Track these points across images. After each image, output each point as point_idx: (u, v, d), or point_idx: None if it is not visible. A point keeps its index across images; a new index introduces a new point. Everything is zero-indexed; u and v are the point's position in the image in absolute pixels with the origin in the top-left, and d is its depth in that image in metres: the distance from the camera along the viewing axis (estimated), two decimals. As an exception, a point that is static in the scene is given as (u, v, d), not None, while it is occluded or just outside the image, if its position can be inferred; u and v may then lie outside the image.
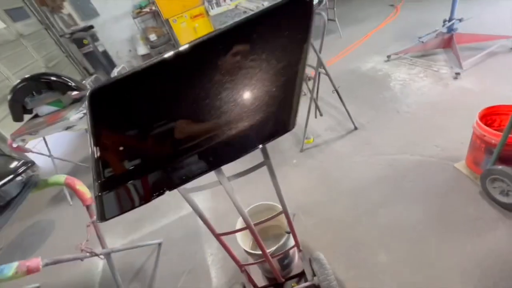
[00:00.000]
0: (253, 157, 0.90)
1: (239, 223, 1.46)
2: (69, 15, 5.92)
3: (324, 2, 3.63)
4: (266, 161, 0.90)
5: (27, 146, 2.55)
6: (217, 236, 1.12)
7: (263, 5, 1.86)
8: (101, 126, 0.57)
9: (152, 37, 6.20)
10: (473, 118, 1.56)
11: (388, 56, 3.20)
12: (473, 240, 1.41)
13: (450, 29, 2.78)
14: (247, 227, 1.04)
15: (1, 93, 3.93)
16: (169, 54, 0.57)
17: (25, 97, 2.46)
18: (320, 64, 1.85)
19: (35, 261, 1.03)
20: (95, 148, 0.58)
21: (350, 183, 1.94)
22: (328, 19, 4.63)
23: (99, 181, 0.62)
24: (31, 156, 2.63)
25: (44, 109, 2.52)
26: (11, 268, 0.99)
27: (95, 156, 0.59)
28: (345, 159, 2.14)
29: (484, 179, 1.52)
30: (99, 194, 0.62)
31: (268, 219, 1.11)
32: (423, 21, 3.79)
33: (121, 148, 0.58)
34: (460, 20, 2.69)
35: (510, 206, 1.44)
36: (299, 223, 1.79)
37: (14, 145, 2.35)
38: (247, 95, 0.58)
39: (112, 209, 0.63)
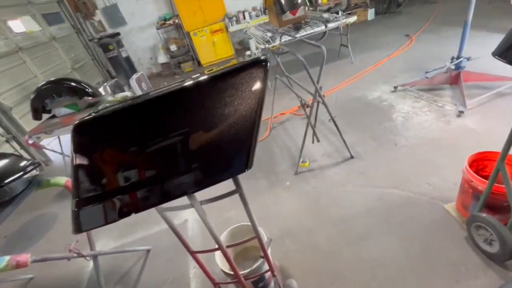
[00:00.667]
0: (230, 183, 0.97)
1: (226, 240, 1.52)
2: (99, 22, 6.36)
3: (338, 28, 3.73)
4: (238, 190, 0.97)
5: (42, 143, 2.75)
6: (192, 254, 1.19)
7: (266, 34, 1.98)
8: (81, 153, 0.66)
9: (173, 47, 6.52)
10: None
11: (395, 87, 3.23)
12: (452, 286, 1.40)
13: (458, 67, 2.79)
14: (219, 248, 1.09)
15: (28, 90, 4.24)
16: (139, 99, 0.66)
17: (46, 98, 2.67)
18: (317, 93, 1.92)
19: (24, 257, 1.13)
20: (73, 171, 0.67)
21: (338, 211, 1.96)
22: (341, 45, 4.74)
23: (76, 199, 0.71)
24: (45, 152, 2.82)
25: (61, 110, 2.72)
26: (3, 260, 1.09)
27: (73, 178, 0.68)
28: (337, 187, 2.16)
29: (470, 224, 1.51)
30: (75, 209, 0.71)
31: (241, 243, 1.17)
32: (436, 54, 3.81)
33: (94, 173, 0.67)
34: (468, 59, 2.70)
35: (493, 256, 1.41)
36: (281, 247, 1.82)
37: (30, 142, 2.54)
38: (214, 135, 0.67)
39: (85, 224, 0.72)
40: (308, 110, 2.06)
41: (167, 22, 6.37)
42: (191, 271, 1.86)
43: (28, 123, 4.05)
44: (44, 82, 2.71)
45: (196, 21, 6.19)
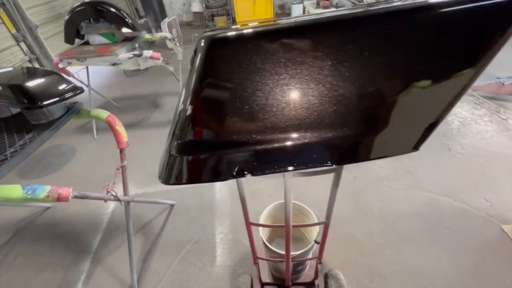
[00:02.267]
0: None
1: (265, 216, 1.39)
2: (137, -49, 5.79)
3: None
4: (338, 168, 0.81)
5: (71, 70, 2.55)
6: (248, 225, 1.06)
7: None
8: (210, 79, 0.48)
9: (209, -4, 6.02)
10: None
11: (454, 88, 2.94)
12: (503, 312, 1.29)
13: (536, 79, 2.49)
14: (286, 226, 0.96)
15: (56, 11, 3.94)
16: (332, 14, 0.46)
17: (81, 21, 2.42)
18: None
19: (67, 191, 1.00)
20: (190, 103, 0.49)
21: (382, 208, 1.82)
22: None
23: (180, 141, 0.54)
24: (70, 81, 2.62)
25: (96, 38, 2.48)
26: (44, 190, 0.97)
27: (187, 112, 0.50)
28: (382, 182, 2.00)
29: (537, 253, 1.37)
30: (176, 154, 0.54)
31: (308, 225, 1.03)
32: (505, 61, 3.44)
33: (222, 112, 0.49)
34: (553, 73, 2.40)
35: (559, 292, 1.29)
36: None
37: (60, 66, 2.35)
38: (387, 90, 0.48)
39: (180, 175, 0.56)
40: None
41: (210, -33, 5.80)
42: (217, 236, 1.77)
43: (52, 46, 3.81)
44: (79, 3, 2.43)
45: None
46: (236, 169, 0.53)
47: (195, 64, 0.48)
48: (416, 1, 0.45)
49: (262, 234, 1.34)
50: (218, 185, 2.15)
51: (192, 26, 6.56)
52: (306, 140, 0.52)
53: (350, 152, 0.54)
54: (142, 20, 5.27)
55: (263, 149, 0.52)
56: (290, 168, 0.53)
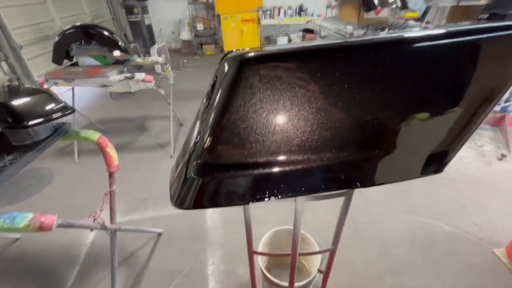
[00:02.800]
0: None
1: (263, 244, 1.32)
2: (129, -18, 6.01)
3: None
4: (349, 192, 0.80)
5: (54, 91, 2.46)
6: (252, 254, 0.99)
7: (346, 27, 1.81)
8: (239, 100, 0.46)
9: (199, 26, 6.26)
10: None
11: (432, 116, 3.14)
12: None
13: (504, 109, 2.73)
14: (292, 254, 0.91)
15: (42, 33, 3.89)
16: (366, 39, 0.47)
17: (72, 43, 2.39)
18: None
19: (50, 219, 0.90)
20: (216, 121, 0.47)
21: (378, 233, 1.81)
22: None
23: (198, 161, 0.50)
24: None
25: (86, 60, 2.45)
26: (25, 218, 0.86)
27: (212, 130, 0.48)
28: (376, 207, 2.01)
29: (531, 277, 1.39)
30: (194, 176, 0.51)
31: (315, 253, 0.99)
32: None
33: (249, 133, 0.47)
34: (518, 104, 2.64)
35: (557, 317, 1.29)
36: (317, 259, 1.64)
37: (45, 86, 2.26)
38: (421, 114, 0.49)
39: (198, 199, 0.52)
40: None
41: (200, 0, 6.10)
42: (209, 266, 1.65)
43: (36, 66, 3.70)
44: (70, 26, 2.42)
45: (230, 6, 5.96)
46: (260, 192, 0.51)
47: (221, 85, 0.47)
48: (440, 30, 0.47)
49: (261, 263, 1.26)
50: (210, 211, 2.05)
51: (181, 53, 6.71)
52: (332, 162, 0.51)
53: (373, 174, 0.54)
54: (132, 45, 5.32)
55: (288, 171, 0.50)
56: (313, 191, 0.52)
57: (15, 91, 1.31)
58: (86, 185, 2.39)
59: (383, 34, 0.51)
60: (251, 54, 0.45)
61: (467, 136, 0.53)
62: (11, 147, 1.19)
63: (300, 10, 6.32)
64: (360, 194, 2.13)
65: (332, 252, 0.99)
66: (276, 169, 0.49)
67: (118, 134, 3.21)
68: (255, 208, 1.99)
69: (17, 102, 1.13)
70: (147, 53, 5.58)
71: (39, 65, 3.78)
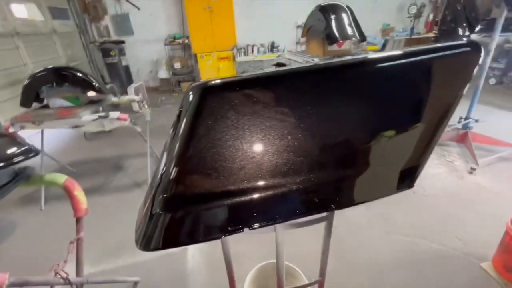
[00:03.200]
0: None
1: (249, 282, 1.23)
2: (106, 27, 6.22)
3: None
4: (330, 215, 0.78)
5: (21, 135, 2.33)
6: (236, 295, 0.90)
7: (312, 60, 1.96)
8: (201, 127, 0.45)
9: (177, 65, 6.46)
10: (494, 216, 1.51)
11: (403, 137, 3.31)
12: None
13: (466, 127, 2.94)
14: (279, 291, 0.84)
15: (12, 77, 3.81)
16: (326, 62, 0.49)
17: (42, 85, 2.34)
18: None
19: (1, 278, 0.79)
20: (178, 150, 0.45)
21: (367, 257, 1.76)
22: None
23: (165, 195, 0.47)
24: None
25: (57, 101, 2.38)
26: (-32, 280, 0.74)
27: (174, 161, 0.46)
28: (361, 230, 1.99)
29: (520, 289, 1.38)
30: (160, 212, 0.47)
31: (302, 287, 0.92)
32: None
33: (216, 160, 0.46)
34: (477, 120, 2.87)
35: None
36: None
37: (11, 130, 2.14)
38: (387, 134, 0.50)
39: (166, 237, 0.48)
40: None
41: (176, 41, 6.38)
42: (192, 315, 1.49)
43: (4, 112, 3.55)
44: (42, 69, 2.39)
45: (206, 46, 6.27)
46: (232, 223, 0.48)
47: (186, 113, 0.46)
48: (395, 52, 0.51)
49: (248, 305, 1.16)
50: (191, 250, 1.92)
51: (159, 91, 6.79)
52: (306, 185, 0.50)
53: (349, 194, 0.53)
54: (109, 86, 5.33)
55: (260, 198, 0.48)
56: (290, 217, 0.49)
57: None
58: (52, 235, 2.17)
59: (341, 59, 0.54)
60: (214, 82, 0.45)
61: (431, 149, 0.55)
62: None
63: (272, 47, 6.77)
64: (343, 219, 2.11)
65: (320, 284, 0.93)
66: (247, 198, 0.47)
67: (92, 175, 3.04)
68: (237, 243, 1.89)
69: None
70: (125, 92, 5.58)
71: (8, 109, 3.63)
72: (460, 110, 3.36)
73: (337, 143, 0.49)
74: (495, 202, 2.18)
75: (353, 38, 1.76)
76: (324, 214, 0.77)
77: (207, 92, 0.44)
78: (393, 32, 7.17)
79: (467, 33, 2.77)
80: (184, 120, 0.46)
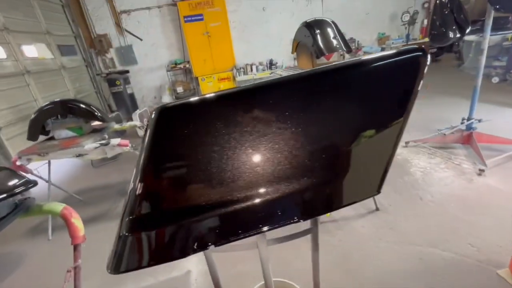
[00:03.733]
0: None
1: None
2: (111, 59, 6.55)
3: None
4: (314, 228, 0.77)
5: (30, 167, 2.43)
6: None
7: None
8: (160, 149, 0.47)
9: (179, 89, 6.68)
10: (508, 219, 1.43)
11: (407, 142, 3.26)
12: None
13: (469, 127, 2.88)
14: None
15: (23, 113, 4.01)
16: (268, 80, 0.51)
17: (48, 118, 2.46)
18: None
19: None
20: (141, 174, 0.47)
21: (376, 270, 1.69)
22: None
23: (131, 216, 0.49)
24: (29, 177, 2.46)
25: (62, 133, 2.49)
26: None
27: (141, 183, 0.47)
28: (368, 242, 1.92)
29: (541, 296, 1.28)
30: (126, 234, 0.48)
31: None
32: (439, 116, 4.00)
33: (176, 179, 0.47)
34: (479, 120, 2.81)
35: None
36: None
37: (18, 163, 2.23)
38: (337, 144, 0.50)
39: (132, 258, 0.48)
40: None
41: (178, 66, 6.64)
42: None
43: (14, 145, 3.70)
44: (48, 103, 2.53)
45: (206, 68, 6.50)
46: (198, 241, 0.48)
47: (148, 133, 0.48)
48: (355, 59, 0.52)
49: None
50: (194, 275, 1.88)
51: (164, 115, 6.97)
52: (273, 196, 0.50)
53: (319, 202, 0.53)
54: (114, 114, 5.53)
55: (224, 214, 0.49)
56: (259, 229, 0.49)
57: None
58: (60, 264, 2.17)
59: (302, 71, 0.56)
60: (171, 104, 0.48)
61: (394, 152, 0.55)
62: (-37, 232, 1.11)
63: (271, 64, 6.95)
64: (349, 231, 2.05)
65: (316, 301, 0.90)
66: (209, 215, 0.48)
67: (98, 202, 3.09)
68: (238, 263, 1.85)
69: (-27, 183, 1.09)
70: (130, 119, 5.77)
71: (18, 143, 3.79)
72: (462, 111, 3.32)
73: (294, 155, 0.50)
74: (507, 203, 2.08)
75: (340, 50, 1.81)
76: (308, 227, 0.76)
77: (163, 113, 0.46)
78: (389, 40, 7.26)
79: (458, 35, 2.78)
80: (146, 140, 0.48)
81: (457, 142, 3.02)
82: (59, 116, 2.46)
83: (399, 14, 7.26)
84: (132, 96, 6.57)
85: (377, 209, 2.22)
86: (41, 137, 2.59)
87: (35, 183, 1.25)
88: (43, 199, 2.68)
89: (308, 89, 0.49)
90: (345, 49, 1.81)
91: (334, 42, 1.78)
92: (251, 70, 6.76)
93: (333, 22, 1.89)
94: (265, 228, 0.51)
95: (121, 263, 0.49)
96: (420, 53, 0.47)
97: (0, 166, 1.28)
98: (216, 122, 0.47)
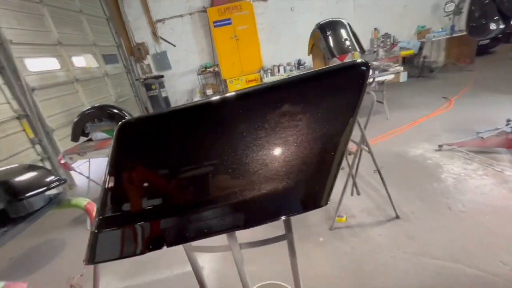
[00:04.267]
0: (276, 227, 0.79)
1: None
2: (148, 65, 7.08)
3: (373, 85, 3.75)
4: (288, 234, 0.78)
5: (73, 165, 2.76)
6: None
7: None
8: (123, 158, 0.54)
9: (209, 92, 6.94)
10: None
11: (440, 146, 2.99)
12: None
13: (515, 130, 2.55)
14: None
15: (73, 116, 4.53)
16: (214, 98, 0.55)
17: (87, 122, 2.78)
18: (363, 140, 1.77)
19: (20, 287, 0.95)
20: (108, 179, 0.54)
21: (387, 282, 1.60)
22: (376, 101, 4.73)
23: (100, 216, 0.56)
24: (71, 175, 2.80)
25: (98, 135, 2.79)
26: (-4, 287, 0.92)
27: (105, 188, 0.54)
28: (383, 252, 1.82)
29: None
30: (95, 231, 0.56)
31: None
32: (480, 117, 3.60)
33: (137, 187, 0.53)
34: (528, 122, 2.47)
35: None
36: (315, 320, 1.46)
37: (62, 161, 2.56)
38: (280, 156, 0.52)
39: (104, 252, 0.56)
40: (350, 158, 1.89)
41: (207, 70, 6.92)
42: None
43: (65, 145, 4.22)
44: (89, 107, 2.85)
45: (234, 71, 6.66)
46: (151, 240, 0.54)
47: (112, 145, 0.55)
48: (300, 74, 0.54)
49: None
50: (206, 271, 1.98)
51: (195, 117, 7.32)
52: (218, 204, 0.54)
53: (257, 212, 0.55)
54: (149, 116, 5.97)
55: (175, 218, 0.54)
56: (201, 236, 0.53)
57: (21, 169, 1.51)
58: (92, 252, 2.46)
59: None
60: (132, 118, 0.54)
61: (338, 164, 0.54)
62: (8, 219, 1.33)
63: (299, 64, 6.86)
64: (363, 238, 1.97)
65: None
66: (162, 218, 0.53)
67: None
68: (249, 263, 1.89)
69: (14, 179, 1.31)
70: (164, 120, 6.17)
71: (67, 143, 4.31)
72: (507, 111, 2.94)
73: (238, 167, 0.52)
74: (557, 218, 1.81)
75: (352, 51, 1.75)
76: (282, 233, 0.78)
77: (122, 127, 0.53)
78: (430, 33, 6.68)
79: (501, 26, 2.49)
80: (111, 152, 0.55)
81: (500, 146, 2.69)
82: (95, 120, 2.75)
83: (442, 4, 6.63)
84: (166, 99, 7.01)
85: (397, 217, 2.09)
86: (82, 139, 2.93)
87: (65, 181, 1.44)
88: (83, 194, 3.03)
89: (251, 105, 0.52)
90: (358, 50, 1.74)
91: (347, 43, 1.72)
92: (278, 71, 6.76)
93: (347, 23, 1.83)
94: (202, 236, 0.55)
95: (94, 255, 0.57)
96: (362, 68, 0.46)
97: (38, 166, 1.50)
98: (167, 136, 0.52)
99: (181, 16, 6.70)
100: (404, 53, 6.54)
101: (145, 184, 0.53)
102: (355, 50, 1.72)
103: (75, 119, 2.80)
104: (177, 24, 6.78)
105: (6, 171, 1.44)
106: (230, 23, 6.27)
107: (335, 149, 0.51)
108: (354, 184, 2.17)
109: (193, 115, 0.53)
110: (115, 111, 2.71)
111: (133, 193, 0.53)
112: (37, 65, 3.99)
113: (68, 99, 4.53)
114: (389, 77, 3.77)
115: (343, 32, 1.75)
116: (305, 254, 1.92)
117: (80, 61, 5.04)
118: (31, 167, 1.48)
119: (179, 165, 0.52)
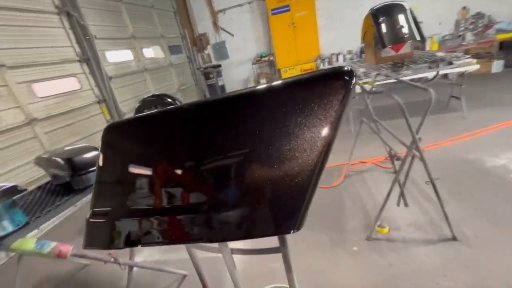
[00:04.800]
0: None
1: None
2: (208, 55, 7.46)
3: (450, 77, 3.15)
4: (282, 248, 0.73)
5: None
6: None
7: (359, 69, 1.76)
8: (109, 158, 0.57)
9: (263, 81, 6.96)
10: None
11: (533, 157, 2.37)
12: None
13: None
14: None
15: (141, 102, 5.13)
16: (190, 103, 0.54)
17: (147, 108, 3.10)
18: (414, 145, 1.52)
19: (67, 248, 1.15)
20: (97, 177, 0.59)
21: (424, 313, 1.39)
22: (451, 96, 3.98)
23: (94, 209, 0.61)
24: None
25: (154, 120, 3.10)
26: (49, 246, 1.13)
27: (95, 185, 0.59)
28: (427, 277, 1.57)
29: None
30: (89, 220, 0.62)
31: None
32: None
33: (121, 185, 0.57)
34: None
35: None
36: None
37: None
38: (245, 170, 0.47)
39: (93, 240, 0.61)
40: (397, 163, 1.65)
41: (263, 59, 6.92)
42: (218, 319, 1.60)
43: (133, 127, 4.85)
44: (150, 95, 3.17)
45: (289, 60, 6.50)
46: (127, 238, 0.56)
47: (100, 146, 0.59)
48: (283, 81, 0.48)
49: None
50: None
51: (248, 105, 7.48)
52: (189, 213, 0.53)
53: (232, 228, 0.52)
54: (206, 104, 6.35)
55: (151, 221, 0.55)
56: (169, 242, 0.53)
57: (84, 149, 1.80)
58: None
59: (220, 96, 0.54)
60: (116, 121, 0.57)
61: (315, 184, 0.46)
62: (72, 190, 1.61)
63: (361, 53, 6.26)
64: (403, 254, 1.74)
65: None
66: (138, 218, 0.55)
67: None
68: (270, 261, 1.87)
69: (76, 158, 1.56)
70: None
71: (136, 125, 4.95)
72: None
73: (203, 178, 0.50)
74: None
75: (409, 40, 1.46)
76: (276, 245, 0.73)
77: (107, 129, 0.56)
78: (543, 11, 5.23)
79: None
80: (99, 152, 0.59)
81: None
82: (153, 107, 3.05)
83: None
84: (223, 87, 7.33)
85: (454, 238, 1.77)
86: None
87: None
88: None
89: (223, 113, 0.48)
90: (417, 38, 1.44)
91: (403, 31, 1.44)
92: (337, 59, 6.30)
93: (409, 8, 1.52)
94: (189, 240, 0.54)
95: (88, 241, 0.63)
96: (346, 77, 0.37)
97: (89, 146, 1.76)
98: (137, 140, 0.53)
99: (240, 5, 6.79)
100: (502, 36, 5.29)
101: (120, 182, 0.56)
102: (413, 38, 1.44)
103: (137, 105, 3.16)
104: (236, 13, 6.91)
105: (73, 150, 1.73)
106: (288, 10, 6.07)
107: (309, 165, 0.44)
108: (402, 193, 1.90)
109: (157, 121, 0.53)
110: (169, 100, 2.95)
111: (111, 190, 0.57)
112: (115, 57, 4.62)
113: (138, 87, 5.14)
114: (472, 67, 3.10)
115: (400, 17, 1.47)
116: (335, 262, 1.81)
117: (149, 52, 5.62)
118: (93, 148, 1.74)
119: (146, 169, 0.53)
